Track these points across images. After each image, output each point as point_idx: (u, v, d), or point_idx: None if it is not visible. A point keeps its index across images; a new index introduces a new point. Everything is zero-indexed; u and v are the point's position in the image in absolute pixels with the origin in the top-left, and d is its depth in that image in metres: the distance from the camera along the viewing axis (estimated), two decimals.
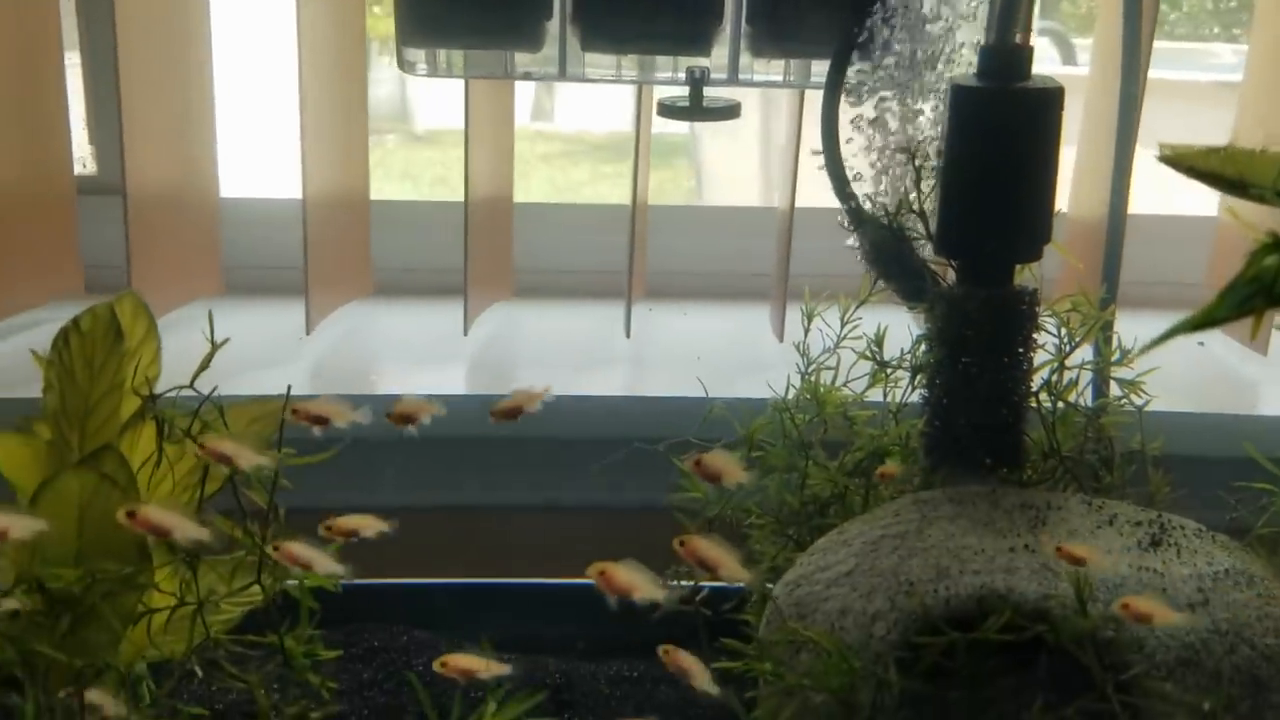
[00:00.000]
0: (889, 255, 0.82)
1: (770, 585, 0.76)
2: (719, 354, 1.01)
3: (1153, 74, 1.07)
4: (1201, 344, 1.27)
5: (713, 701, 0.63)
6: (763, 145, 1.68)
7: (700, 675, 0.63)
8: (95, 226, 1.32)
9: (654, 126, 1.26)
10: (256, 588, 0.67)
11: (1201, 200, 1.41)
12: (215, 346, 0.66)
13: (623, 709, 0.80)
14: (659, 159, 1.66)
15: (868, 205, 0.84)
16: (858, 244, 0.85)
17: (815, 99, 0.94)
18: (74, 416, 0.65)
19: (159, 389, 0.66)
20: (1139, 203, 1.00)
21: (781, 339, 1.24)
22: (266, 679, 0.65)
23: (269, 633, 0.65)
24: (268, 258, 1.40)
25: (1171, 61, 1.54)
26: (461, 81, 1.12)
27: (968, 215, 0.77)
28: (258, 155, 1.51)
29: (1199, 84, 1.63)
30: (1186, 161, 0.54)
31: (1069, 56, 1.73)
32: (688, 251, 1.45)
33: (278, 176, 1.52)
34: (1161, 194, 1.40)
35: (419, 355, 1.28)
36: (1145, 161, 0.97)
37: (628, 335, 1.29)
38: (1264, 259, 0.45)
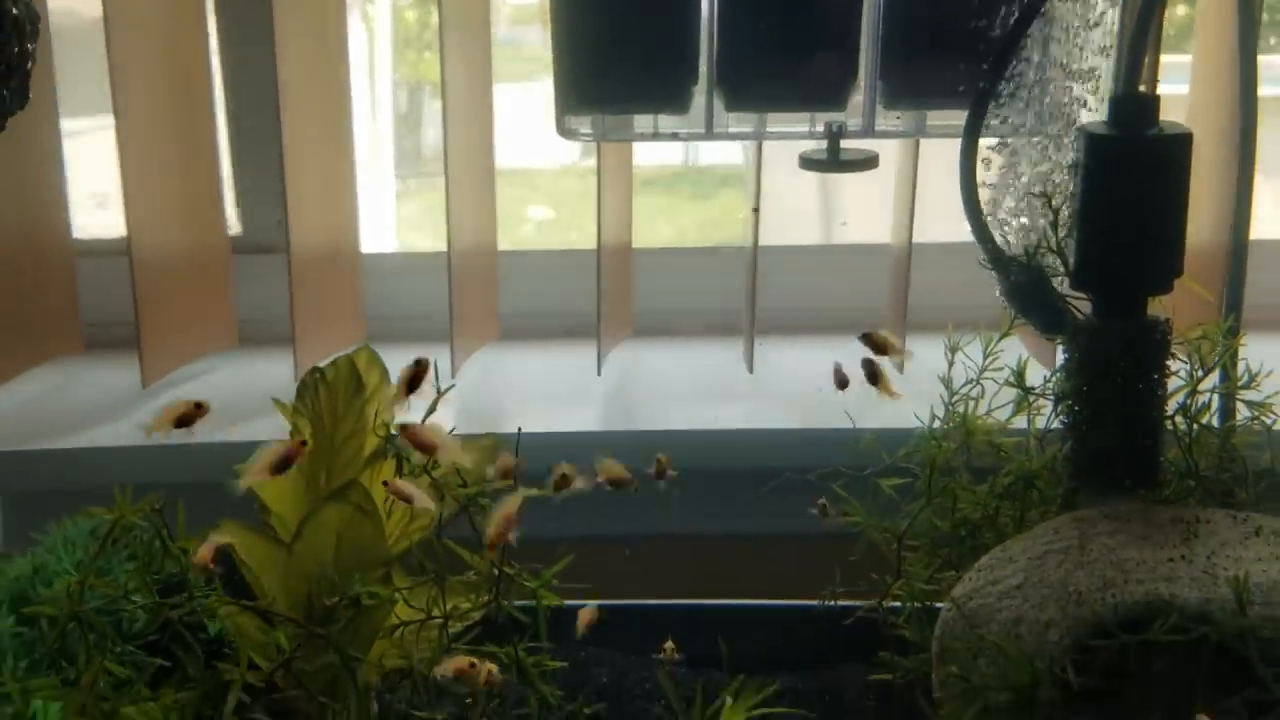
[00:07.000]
0: (1028, 292, 0.89)
1: (930, 603, 0.82)
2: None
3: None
4: None
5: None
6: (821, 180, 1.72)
7: None
8: (242, 284, 1.43)
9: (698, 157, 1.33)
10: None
11: None
12: (440, 393, 0.74)
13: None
14: (708, 189, 1.71)
15: (1004, 245, 0.90)
16: (997, 283, 0.91)
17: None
18: (322, 456, 0.73)
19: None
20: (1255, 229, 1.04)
21: (901, 370, 1.31)
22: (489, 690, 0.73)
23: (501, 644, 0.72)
24: (399, 307, 1.50)
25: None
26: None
27: (1104, 253, 0.84)
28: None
29: None
30: None
31: None
32: (795, 288, 1.52)
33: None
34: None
35: (554, 395, 1.36)
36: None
37: (750, 370, 1.36)
38: None
